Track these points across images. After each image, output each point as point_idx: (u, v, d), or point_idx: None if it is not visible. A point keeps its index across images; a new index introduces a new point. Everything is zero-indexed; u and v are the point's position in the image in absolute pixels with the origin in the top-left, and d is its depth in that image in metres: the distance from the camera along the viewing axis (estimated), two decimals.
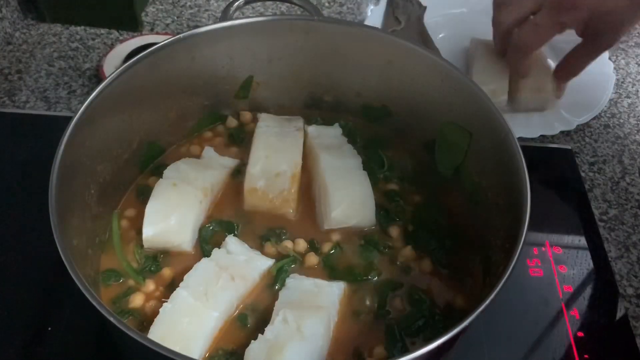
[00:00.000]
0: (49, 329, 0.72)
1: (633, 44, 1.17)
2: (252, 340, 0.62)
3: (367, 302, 0.69)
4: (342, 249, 0.74)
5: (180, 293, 0.65)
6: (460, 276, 0.71)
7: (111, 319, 0.52)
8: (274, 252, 0.73)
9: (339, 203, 0.73)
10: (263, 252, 0.72)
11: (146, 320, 0.66)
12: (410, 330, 0.67)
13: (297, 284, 0.68)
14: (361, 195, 0.75)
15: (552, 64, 1.07)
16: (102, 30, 1.09)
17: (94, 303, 0.53)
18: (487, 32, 0.98)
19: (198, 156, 0.81)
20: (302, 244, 0.73)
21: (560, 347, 0.74)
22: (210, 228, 0.74)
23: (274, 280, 0.70)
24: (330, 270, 0.72)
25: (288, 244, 0.73)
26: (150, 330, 0.62)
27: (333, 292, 0.67)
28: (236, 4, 0.84)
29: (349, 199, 0.74)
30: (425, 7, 1.07)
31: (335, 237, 0.74)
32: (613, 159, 0.97)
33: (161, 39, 0.76)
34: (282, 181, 0.76)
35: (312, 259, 0.72)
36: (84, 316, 0.72)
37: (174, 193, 0.73)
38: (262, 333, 0.62)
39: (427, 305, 0.68)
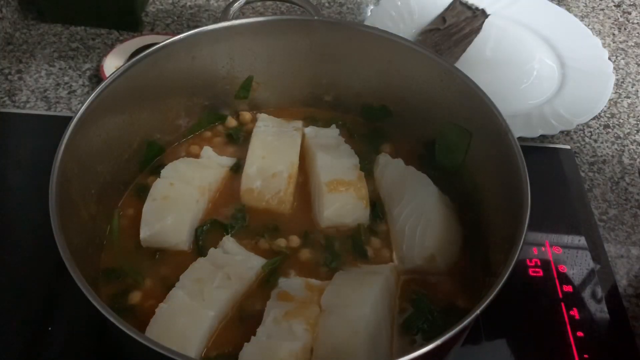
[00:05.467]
0: (49, 329, 0.72)
1: (633, 44, 1.17)
2: (246, 343, 0.62)
3: None
4: (336, 247, 0.73)
5: (176, 293, 0.65)
6: (460, 276, 0.71)
7: (111, 319, 0.52)
8: (268, 249, 0.73)
9: (332, 202, 0.74)
10: (257, 249, 0.72)
11: (145, 318, 0.66)
12: (410, 330, 0.67)
13: (288, 284, 0.68)
14: (355, 195, 0.75)
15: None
16: (102, 30, 1.09)
17: (94, 303, 0.53)
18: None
19: (197, 156, 0.81)
20: (295, 240, 0.73)
21: (560, 347, 0.74)
22: (207, 227, 0.74)
23: (268, 279, 0.70)
24: (325, 267, 0.72)
25: (281, 242, 0.73)
26: (146, 330, 0.62)
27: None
28: (236, 4, 0.84)
29: (343, 198, 0.74)
30: (488, 15, 1.09)
31: (330, 234, 0.74)
32: (613, 159, 0.97)
33: (161, 39, 0.76)
34: (279, 182, 0.76)
35: (306, 255, 0.72)
36: (84, 316, 0.72)
37: (171, 193, 0.73)
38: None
39: (427, 304, 0.68)
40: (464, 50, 1.07)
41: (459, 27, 1.09)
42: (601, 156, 0.98)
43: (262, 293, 0.68)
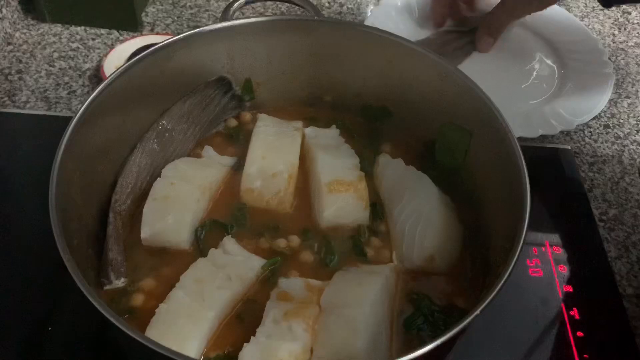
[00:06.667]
0: (49, 329, 0.72)
1: (633, 44, 1.17)
2: (245, 343, 0.62)
3: None
4: (336, 247, 0.73)
5: (176, 293, 0.65)
6: (460, 276, 0.71)
7: (111, 319, 0.52)
8: (268, 249, 0.73)
9: (332, 203, 0.73)
10: (258, 249, 0.72)
11: (145, 319, 0.66)
12: (410, 330, 0.67)
13: (288, 284, 0.67)
14: (355, 195, 0.75)
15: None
16: (102, 31, 1.09)
17: (94, 303, 0.53)
18: None
19: (198, 155, 0.81)
20: (295, 241, 0.73)
21: (560, 347, 0.74)
22: (207, 227, 0.74)
23: (268, 279, 0.70)
24: (325, 267, 0.72)
25: (281, 242, 0.73)
26: (146, 331, 0.62)
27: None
28: (236, 4, 0.84)
29: (343, 199, 0.74)
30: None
31: (330, 234, 0.74)
32: (613, 159, 0.97)
33: (161, 39, 0.76)
34: (279, 182, 0.76)
35: (306, 255, 0.72)
36: (84, 316, 0.71)
37: (172, 192, 0.73)
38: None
39: (427, 304, 0.68)
40: (468, 54, 1.06)
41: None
42: (601, 156, 0.98)
43: (262, 293, 0.68)
